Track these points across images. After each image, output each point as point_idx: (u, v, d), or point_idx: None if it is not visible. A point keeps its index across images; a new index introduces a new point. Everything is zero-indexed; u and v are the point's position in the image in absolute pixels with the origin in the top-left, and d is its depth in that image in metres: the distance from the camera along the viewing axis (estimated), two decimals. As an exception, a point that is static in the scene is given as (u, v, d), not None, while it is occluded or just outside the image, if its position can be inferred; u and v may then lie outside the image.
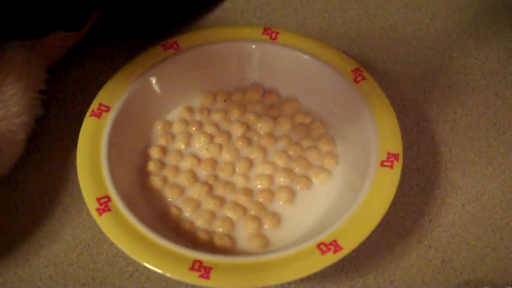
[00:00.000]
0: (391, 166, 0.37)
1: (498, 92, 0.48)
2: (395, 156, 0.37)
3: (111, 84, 0.41)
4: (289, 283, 0.37)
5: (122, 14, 0.48)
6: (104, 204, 0.35)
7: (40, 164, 0.43)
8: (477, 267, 0.38)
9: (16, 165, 0.41)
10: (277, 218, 0.38)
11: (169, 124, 0.43)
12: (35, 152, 0.43)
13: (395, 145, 0.38)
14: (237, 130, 0.43)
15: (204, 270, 0.32)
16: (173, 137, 0.42)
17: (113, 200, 0.35)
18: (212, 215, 0.38)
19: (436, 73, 0.49)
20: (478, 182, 0.42)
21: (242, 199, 0.39)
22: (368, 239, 0.34)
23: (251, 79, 0.45)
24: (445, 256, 0.39)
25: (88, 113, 0.39)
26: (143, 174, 0.40)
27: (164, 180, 0.40)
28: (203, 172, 0.41)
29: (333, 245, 0.33)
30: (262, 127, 0.43)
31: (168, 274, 0.32)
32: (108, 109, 0.40)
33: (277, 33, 0.44)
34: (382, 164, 0.37)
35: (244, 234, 0.38)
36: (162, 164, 0.41)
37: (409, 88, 0.48)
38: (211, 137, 0.42)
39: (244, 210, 0.39)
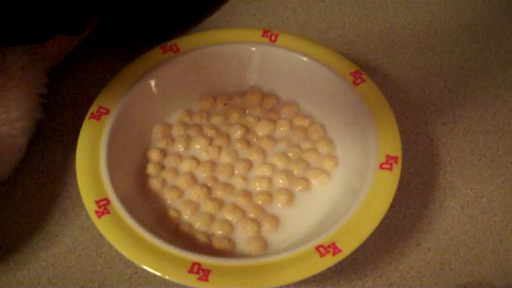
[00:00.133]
0: (390, 169, 0.37)
1: (497, 95, 0.48)
2: (394, 158, 0.37)
3: (111, 87, 0.41)
4: (288, 286, 0.37)
5: (122, 18, 0.48)
6: (103, 206, 0.35)
7: (39, 167, 0.43)
8: (476, 269, 0.38)
9: (16, 169, 0.41)
10: (276, 221, 0.38)
11: (168, 127, 0.43)
12: (34, 155, 0.43)
13: (394, 147, 0.38)
14: (236, 132, 0.43)
15: (203, 273, 0.32)
16: (172, 139, 0.42)
17: (112, 203, 0.35)
18: (211, 217, 0.38)
19: (435, 75, 0.49)
20: (477, 184, 0.42)
21: (241, 202, 0.39)
22: (367, 241, 0.34)
23: (250, 82, 0.45)
24: (444, 258, 0.39)
25: (87, 116, 0.39)
26: (142, 177, 0.40)
27: (163, 182, 0.40)
28: (202, 174, 0.41)
29: (332, 248, 0.33)
30: (261, 129, 0.43)
31: (167, 277, 0.32)
32: (107, 111, 0.40)
33: (276, 35, 0.44)
34: (381, 167, 0.37)
35: (243, 236, 0.38)
36: (161, 167, 0.41)
37: (408, 91, 0.48)
38: (210, 140, 0.42)
39: (243, 212, 0.39)
